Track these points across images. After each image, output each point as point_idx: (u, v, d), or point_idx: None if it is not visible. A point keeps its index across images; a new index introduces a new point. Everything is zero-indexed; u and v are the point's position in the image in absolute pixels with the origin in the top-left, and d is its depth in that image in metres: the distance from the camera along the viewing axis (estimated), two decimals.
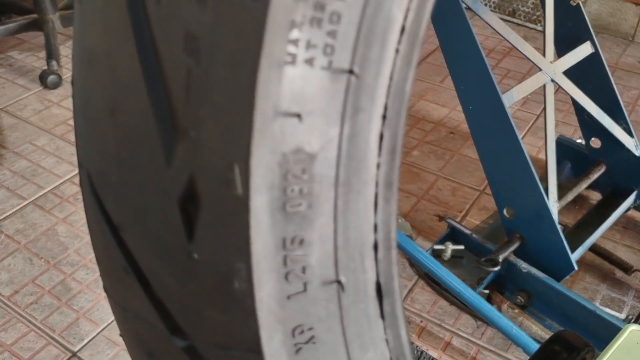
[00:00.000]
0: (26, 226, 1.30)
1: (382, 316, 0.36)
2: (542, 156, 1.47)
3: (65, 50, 1.89)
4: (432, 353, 1.07)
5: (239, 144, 0.28)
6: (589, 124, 1.23)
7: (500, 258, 1.07)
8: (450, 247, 1.16)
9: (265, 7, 0.26)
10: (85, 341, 1.07)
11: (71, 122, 1.60)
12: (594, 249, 1.21)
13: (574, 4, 1.14)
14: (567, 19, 1.15)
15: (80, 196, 1.31)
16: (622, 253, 1.25)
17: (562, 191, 1.14)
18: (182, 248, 0.31)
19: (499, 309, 1.08)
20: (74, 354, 1.05)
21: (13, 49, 1.93)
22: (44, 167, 1.46)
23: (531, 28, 2.10)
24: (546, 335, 1.05)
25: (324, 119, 0.29)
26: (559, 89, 1.10)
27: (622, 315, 1.13)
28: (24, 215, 1.33)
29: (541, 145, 1.56)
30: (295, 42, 0.27)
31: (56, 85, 1.73)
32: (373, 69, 0.29)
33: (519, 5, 2.13)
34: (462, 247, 1.17)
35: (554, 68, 1.07)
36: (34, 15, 1.84)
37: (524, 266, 1.08)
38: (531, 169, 1.01)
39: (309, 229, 0.31)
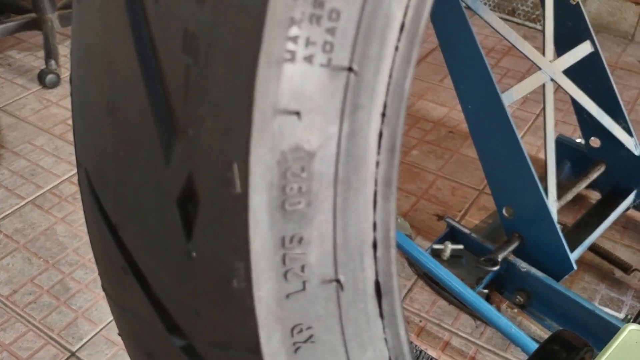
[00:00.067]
0: (25, 226, 1.30)
1: (381, 315, 0.36)
2: (541, 155, 1.47)
3: (64, 50, 1.89)
4: (431, 353, 1.07)
5: (238, 143, 0.28)
6: (588, 123, 1.23)
7: (500, 257, 1.07)
8: (449, 247, 1.16)
9: (264, 4, 0.26)
10: (84, 341, 1.07)
11: (70, 121, 1.60)
12: (593, 248, 1.21)
13: (574, 3, 1.14)
14: (566, 18, 1.15)
15: (79, 195, 1.31)
16: (622, 253, 1.25)
17: (561, 190, 1.14)
18: (181, 247, 0.31)
19: (498, 309, 1.08)
20: (73, 354, 1.05)
21: (12, 48, 1.93)
22: (43, 166, 1.46)
23: (531, 27, 2.10)
24: (545, 334, 1.05)
25: (323, 116, 0.29)
26: (558, 88, 1.10)
27: (621, 315, 1.13)
28: (22, 214, 1.33)
29: (540, 144, 1.56)
30: (294, 39, 0.27)
31: (55, 84, 1.73)
32: (372, 67, 0.29)
33: (518, 4, 2.13)
34: (461, 246, 1.17)
35: (553, 67, 1.07)
36: (33, 15, 1.84)
37: (523, 266, 1.08)
38: (530, 168, 1.01)
39: (308, 227, 0.31)
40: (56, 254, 1.23)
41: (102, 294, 0.54)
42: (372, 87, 0.30)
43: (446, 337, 1.11)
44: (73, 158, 1.45)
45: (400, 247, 1.10)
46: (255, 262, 0.30)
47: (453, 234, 1.19)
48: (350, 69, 0.28)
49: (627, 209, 1.28)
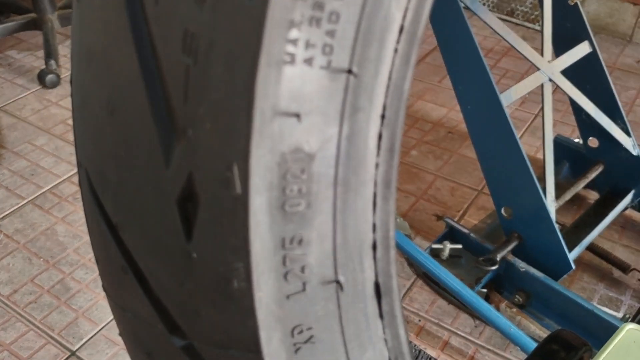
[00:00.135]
0: (25, 226, 1.30)
1: (381, 316, 0.36)
2: (540, 156, 1.47)
3: (64, 50, 1.89)
4: (431, 352, 1.07)
5: (238, 144, 0.28)
6: (586, 124, 1.23)
7: (499, 257, 1.08)
8: (448, 247, 1.16)
9: (264, 6, 0.26)
10: (84, 340, 1.07)
11: (70, 121, 1.60)
12: (592, 248, 1.21)
13: (572, 4, 1.14)
14: (565, 18, 1.15)
15: (79, 196, 1.31)
16: (620, 253, 1.26)
17: (560, 191, 1.14)
18: (181, 247, 0.31)
19: (497, 308, 1.08)
20: (73, 353, 1.05)
21: (12, 48, 1.93)
22: (43, 166, 1.46)
23: (529, 28, 2.10)
24: (544, 334, 1.05)
25: (323, 118, 0.29)
26: (557, 88, 1.10)
27: (620, 315, 1.14)
28: (23, 214, 1.33)
29: (539, 144, 1.56)
30: (294, 41, 0.27)
31: (55, 84, 1.73)
32: (372, 69, 0.29)
33: (517, 4, 2.13)
34: (460, 246, 1.17)
35: (552, 68, 1.07)
36: (33, 15, 1.84)
37: (522, 265, 1.08)
38: (529, 168, 1.01)
39: (308, 229, 0.31)
40: (56, 254, 1.23)
41: (103, 293, 0.54)
42: (371, 89, 0.30)
43: (445, 336, 1.11)
44: (73, 158, 1.45)
45: (399, 247, 1.10)
46: (255, 263, 0.30)
47: (452, 234, 1.19)
48: (349, 71, 0.28)
49: (625, 208, 1.28)
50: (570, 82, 1.10)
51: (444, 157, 1.53)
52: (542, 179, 1.05)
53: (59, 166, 1.46)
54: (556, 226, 1.05)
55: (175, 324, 0.35)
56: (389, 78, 0.30)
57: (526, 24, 2.12)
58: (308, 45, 0.27)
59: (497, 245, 1.11)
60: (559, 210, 1.11)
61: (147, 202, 0.32)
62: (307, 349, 0.34)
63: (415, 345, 1.08)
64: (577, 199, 1.34)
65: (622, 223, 1.34)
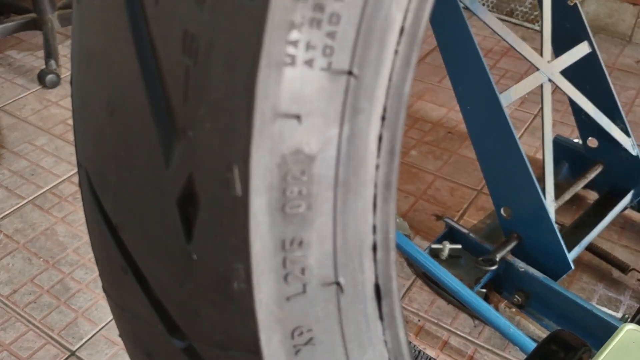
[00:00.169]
0: (25, 226, 1.30)
1: (381, 317, 0.36)
2: (539, 156, 1.47)
3: (64, 50, 1.89)
4: (430, 352, 1.07)
5: (238, 145, 0.28)
6: (586, 124, 1.23)
7: (498, 257, 1.08)
8: (447, 247, 1.16)
9: (264, 7, 0.26)
10: (84, 340, 1.07)
11: (70, 121, 1.60)
12: (591, 248, 1.21)
13: (571, 4, 1.14)
14: (564, 18, 1.15)
15: (79, 196, 1.31)
16: (620, 253, 1.26)
17: (559, 191, 1.14)
18: (181, 248, 0.31)
19: (497, 309, 1.08)
20: (73, 353, 1.05)
21: (12, 48, 1.93)
22: (43, 166, 1.46)
23: (529, 28, 2.10)
24: (543, 334, 1.05)
25: (323, 120, 0.29)
26: (556, 88, 1.10)
27: (619, 315, 1.14)
28: (23, 214, 1.33)
29: (538, 145, 1.56)
30: (294, 43, 0.27)
31: (55, 84, 1.73)
32: (372, 70, 0.29)
33: (516, 5, 2.13)
34: (459, 246, 1.17)
35: (551, 68, 1.07)
36: (33, 15, 1.84)
37: (522, 265, 1.08)
38: (528, 168, 1.01)
39: (308, 230, 0.31)
40: (56, 254, 1.23)
41: (102, 293, 0.54)
42: (372, 90, 0.30)
43: (445, 336, 1.11)
44: (73, 158, 1.45)
45: (399, 247, 1.10)
46: (255, 264, 0.30)
47: (452, 234, 1.19)
48: (350, 73, 0.28)
49: (625, 209, 1.28)
50: (570, 83, 1.10)
51: (443, 157, 1.53)
52: (542, 179, 1.05)
53: (59, 166, 1.46)
54: (555, 226, 1.05)
55: (175, 325, 0.35)
56: (390, 79, 0.30)
57: (525, 24, 2.12)
58: (308, 46, 0.27)
59: (496, 245, 1.11)
60: (558, 211, 1.11)
61: (147, 203, 0.32)
62: (307, 350, 0.34)
63: (414, 345, 1.08)
64: (576, 199, 1.34)
65: (622, 223, 1.34)
